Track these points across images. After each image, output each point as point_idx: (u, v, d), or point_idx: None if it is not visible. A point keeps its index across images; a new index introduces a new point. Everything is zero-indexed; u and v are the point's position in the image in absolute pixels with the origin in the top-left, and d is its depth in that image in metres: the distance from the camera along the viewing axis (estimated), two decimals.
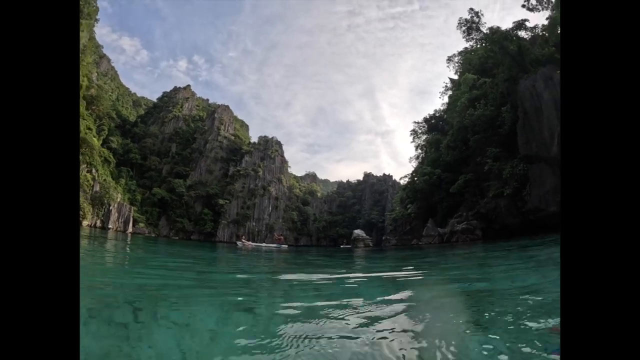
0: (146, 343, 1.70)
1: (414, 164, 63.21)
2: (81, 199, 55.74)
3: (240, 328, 2.34)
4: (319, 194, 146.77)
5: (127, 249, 11.39)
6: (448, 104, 55.81)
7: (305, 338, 1.24)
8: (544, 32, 37.17)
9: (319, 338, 1.26)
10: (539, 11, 39.30)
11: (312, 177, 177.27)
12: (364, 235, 69.86)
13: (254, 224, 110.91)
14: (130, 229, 67.30)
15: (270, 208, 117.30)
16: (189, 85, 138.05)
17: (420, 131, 64.42)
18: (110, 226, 61.14)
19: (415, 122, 65.43)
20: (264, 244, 49.21)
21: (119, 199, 68.20)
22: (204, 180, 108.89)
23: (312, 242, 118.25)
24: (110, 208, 63.51)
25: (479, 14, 43.53)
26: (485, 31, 41.70)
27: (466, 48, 51.76)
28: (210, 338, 1.95)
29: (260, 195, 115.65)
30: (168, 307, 2.83)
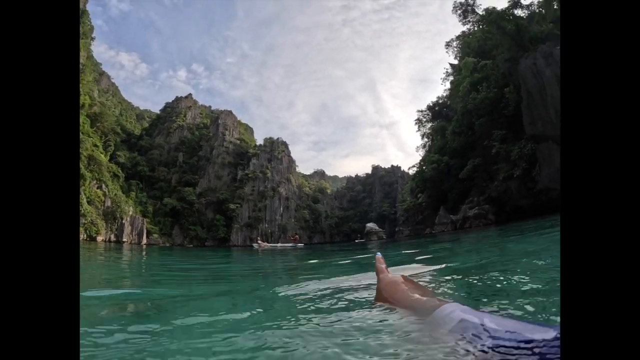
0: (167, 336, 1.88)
1: (421, 153, 62.82)
2: (94, 215, 56.72)
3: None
4: (328, 191, 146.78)
5: (143, 259, 11.67)
6: (450, 89, 55.19)
7: (317, 312, 1.44)
8: (541, 9, 36.43)
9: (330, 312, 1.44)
10: None
11: (320, 174, 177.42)
12: (377, 228, 69.50)
13: (266, 225, 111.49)
14: (144, 241, 68.16)
15: (281, 209, 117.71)
16: (190, 94, 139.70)
17: (424, 119, 63.96)
18: (124, 239, 62.02)
19: (419, 111, 65.05)
20: (279, 244, 49.73)
21: (131, 212, 69.15)
22: (213, 186, 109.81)
23: (326, 239, 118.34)
24: (123, 222, 64.44)
25: None
26: (481, 13, 41.01)
27: (464, 32, 50.94)
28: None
29: (270, 197, 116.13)
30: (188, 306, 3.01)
